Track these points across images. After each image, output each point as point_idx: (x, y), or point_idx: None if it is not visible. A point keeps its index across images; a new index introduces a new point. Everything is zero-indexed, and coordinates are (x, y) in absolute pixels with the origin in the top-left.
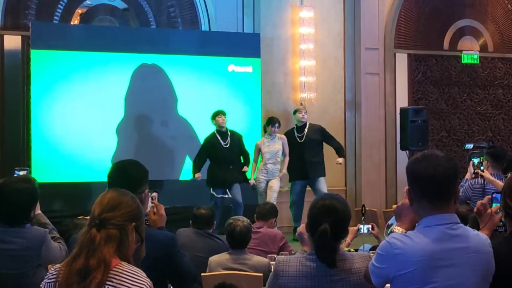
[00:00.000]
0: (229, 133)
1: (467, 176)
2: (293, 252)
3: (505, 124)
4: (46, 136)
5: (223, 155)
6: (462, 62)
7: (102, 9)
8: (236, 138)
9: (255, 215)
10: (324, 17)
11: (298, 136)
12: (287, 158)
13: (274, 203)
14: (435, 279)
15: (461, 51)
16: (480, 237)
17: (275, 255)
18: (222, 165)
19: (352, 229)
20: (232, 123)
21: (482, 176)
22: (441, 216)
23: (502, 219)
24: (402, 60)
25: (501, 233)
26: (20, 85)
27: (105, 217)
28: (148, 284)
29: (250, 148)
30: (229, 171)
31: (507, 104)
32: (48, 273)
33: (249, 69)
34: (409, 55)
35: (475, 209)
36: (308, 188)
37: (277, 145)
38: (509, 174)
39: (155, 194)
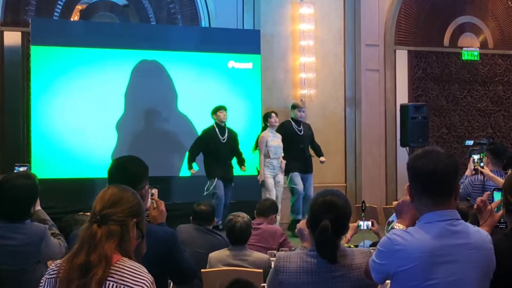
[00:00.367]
0: (226, 129)
1: (467, 172)
2: (293, 248)
3: (505, 121)
4: (46, 132)
5: (221, 149)
6: (463, 58)
7: (102, 6)
8: (233, 135)
9: (255, 211)
10: (324, 13)
11: (297, 129)
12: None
13: (280, 198)
14: (435, 275)
15: (461, 47)
16: (481, 233)
17: (275, 251)
18: (219, 159)
19: (352, 226)
20: (232, 120)
21: (482, 173)
22: (442, 212)
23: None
24: (402, 56)
25: (501, 229)
26: (20, 81)
27: (106, 213)
28: (149, 280)
29: (250, 144)
30: (225, 165)
31: (507, 101)
32: (49, 269)
33: (249, 65)
34: (409, 51)
35: (475, 206)
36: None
37: (279, 141)
38: (509, 171)
39: (155, 190)
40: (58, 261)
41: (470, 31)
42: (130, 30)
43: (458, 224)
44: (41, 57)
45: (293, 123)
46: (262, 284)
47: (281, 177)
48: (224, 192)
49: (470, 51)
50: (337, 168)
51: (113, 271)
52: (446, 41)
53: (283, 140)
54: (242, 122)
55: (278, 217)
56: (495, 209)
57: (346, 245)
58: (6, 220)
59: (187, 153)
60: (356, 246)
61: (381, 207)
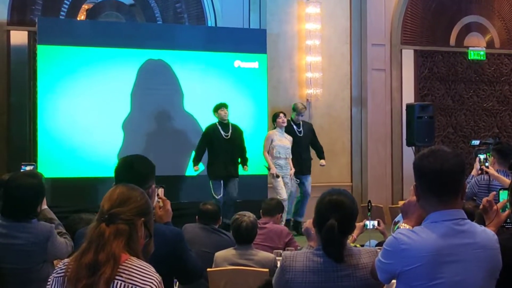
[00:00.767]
0: (230, 125)
1: (473, 172)
2: (299, 247)
3: (511, 121)
4: (53, 131)
5: (223, 145)
6: (469, 58)
7: (108, 5)
8: (238, 132)
9: (261, 211)
10: (331, 13)
11: (297, 130)
12: (291, 158)
13: (286, 200)
14: (441, 275)
15: (467, 47)
16: (487, 233)
17: (281, 251)
18: (221, 156)
19: (358, 225)
20: (238, 119)
21: (487, 173)
22: (448, 211)
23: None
24: (408, 56)
25: (508, 229)
26: (26, 81)
27: (114, 212)
28: (157, 279)
29: (256, 143)
30: (228, 163)
31: None
32: (56, 268)
33: (255, 64)
34: (415, 51)
35: (480, 206)
36: None
37: (287, 141)
38: None
39: (161, 190)
40: (66, 260)
41: (477, 31)
42: (136, 30)
43: (464, 223)
44: (48, 56)
45: (293, 123)
46: (266, 277)
47: (289, 179)
48: (228, 187)
49: (477, 50)
50: (343, 168)
51: (121, 270)
52: (452, 40)
53: None
54: (248, 121)
55: (285, 216)
56: (501, 209)
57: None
58: (12, 219)
59: (193, 152)
60: (362, 246)
61: (387, 206)
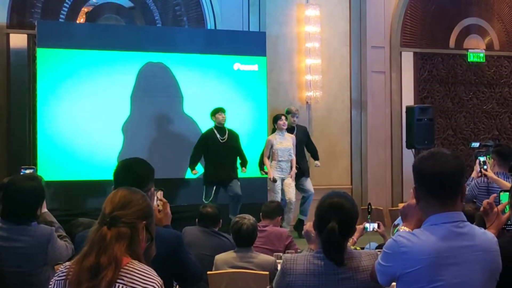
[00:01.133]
0: (227, 130)
1: (473, 174)
2: (299, 250)
3: (511, 123)
4: (52, 134)
5: (220, 150)
6: (468, 60)
7: (108, 8)
8: (234, 136)
9: (260, 214)
10: (330, 15)
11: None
12: (294, 159)
13: (294, 200)
14: (441, 277)
15: (467, 49)
16: (487, 235)
17: (281, 254)
18: (218, 160)
19: (358, 227)
20: (238, 122)
21: (486, 176)
22: (447, 214)
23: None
24: (408, 58)
25: (509, 231)
26: (26, 84)
27: (116, 215)
28: (158, 283)
29: (256, 146)
30: (224, 167)
31: None
32: (58, 271)
33: (254, 67)
34: (415, 53)
35: (481, 208)
36: None
37: (288, 143)
38: None
39: (160, 193)
40: (68, 263)
41: (476, 33)
42: (136, 32)
43: (464, 226)
44: (47, 59)
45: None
46: (268, 287)
47: (290, 180)
48: (230, 187)
49: (476, 53)
50: (343, 170)
51: (122, 274)
52: (451, 43)
53: None
54: (247, 124)
55: (291, 216)
56: (502, 211)
57: (352, 247)
58: (12, 222)
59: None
60: (362, 248)
61: (387, 209)
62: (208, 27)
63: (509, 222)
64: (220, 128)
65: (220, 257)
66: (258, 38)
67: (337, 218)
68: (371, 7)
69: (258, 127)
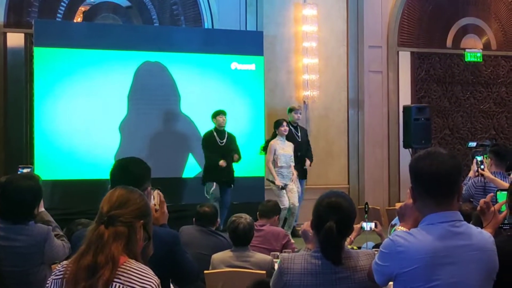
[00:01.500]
0: (226, 133)
1: (470, 174)
2: (296, 250)
3: (508, 122)
4: (49, 133)
5: (219, 152)
6: (465, 60)
7: (105, 7)
8: (232, 138)
9: (257, 213)
10: (327, 15)
11: (296, 134)
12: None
13: (297, 204)
14: (438, 277)
15: (464, 49)
16: (484, 234)
17: (278, 253)
18: (214, 162)
19: (355, 227)
20: (235, 121)
21: (483, 175)
22: (444, 213)
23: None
24: (405, 58)
25: (506, 230)
26: (23, 83)
27: (114, 214)
28: (155, 282)
29: (253, 145)
30: (223, 169)
31: (510, 102)
32: (55, 270)
33: (252, 67)
34: (412, 53)
35: (478, 207)
36: None
37: (290, 149)
38: None
39: (157, 192)
40: (65, 262)
41: (473, 33)
42: (133, 32)
43: (461, 225)
44: (44, 58)
45: (292, 127)
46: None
47: (293, 185)
48: (223, 195)
49: (473, 52)
50: (340, 170)
51: (120, 273)
52: (449, 42)
53: None
54: (244, 123)
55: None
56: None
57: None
58: (9, 221)
59: (190, 155)
60: (359, 248)
61: (384, 208)
62: (206, 27)
63: (505, 221)
64: (220, 131)
65: (217, 256)
66: (256, 38)
67: (335, 217)
68: (368, 6)
69: (255, 127)
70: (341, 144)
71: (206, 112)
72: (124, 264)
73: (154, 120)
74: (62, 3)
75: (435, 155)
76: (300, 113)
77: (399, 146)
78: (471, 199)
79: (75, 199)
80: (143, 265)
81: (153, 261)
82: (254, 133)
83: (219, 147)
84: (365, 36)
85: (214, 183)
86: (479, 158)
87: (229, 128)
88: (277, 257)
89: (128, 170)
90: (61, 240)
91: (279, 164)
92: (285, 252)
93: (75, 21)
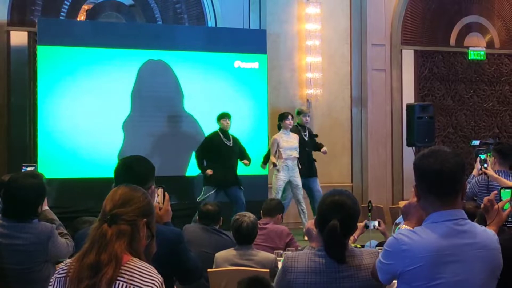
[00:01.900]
0: (230, 135)
1: (474, 172)
2: (299, 248)
3: (511, 121)
4: (53, 132)
5: (225, 153)
6: (469, 58)
7: (108, 5)
8: (237, 140)
9: (261, 211)
10: (331, 13)
11: (304, 135)
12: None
13: (302, 200)
14: (442, 275)
15: (467, 47)
16: (488, 233)
17: (281, 251)
18: (221, 163)
19: (358, 225)
20: (238, 119)
21: (486, 174)
22: (448, 212)
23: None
24: (408, 56)
25: (509, 228)
26: (26, 81)
27: (117, 213)
28: (159, 280)
29: (256, 143)
30: (226, 170)
31: None
32: (58, 268)
33: (255, 65)
34: (415, 51)
35: (482, 205)
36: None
37: (294, 141)
38: None
39: (160, 190)
40: (68, 260)
41: (477, 31)
42: (136, 30)
43: (465, 223)
44: (48, 57)
45: (300, 128)
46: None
47: (298, 180)
48: (234, 196)
49: (477, 50)
50: (343, 168)
51: (123, 271)
52: (452, 40)
53: None
54: (248, 121)
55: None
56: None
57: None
58: (13, 219)
59: (193, 153)
60: (363, 246)
61: (387, 207)
62: (209, 25)
63: (509, 219)
64: (224, 132)
65: (220, 255)
66: (259, 36)
67: (339, 216)
68: (372, 4)
69: (258, 125)
70: (345, 142)
71: (209, 111)
72: (128, 262)
73: (157, 119)
74: (65, 2)
75: (439, 153)
76: (309, 116)
77: (403, 145)
78: (475, 198)
79: (79, 198)
80: (146, 264)
81: (157, 259)
82: (258, 131)
83: (226, 148)
84: (369, 34)
85: (214, 189)
86: (482, 157)
87: (232, 127)
88: (281, 256)
89: (133, 169)
90: (65, 238)
91: (283, 157)
92: (288, 250)
93: (78, 19)
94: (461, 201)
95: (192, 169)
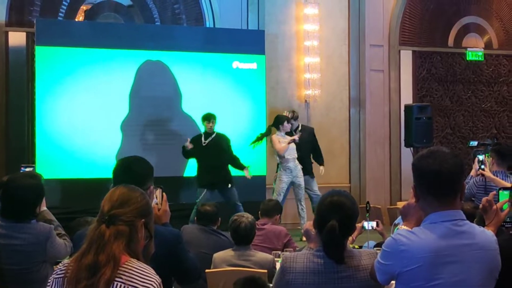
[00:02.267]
0: (213, 134)
1: (472, 173)
2: (297, 248)
3: (509, 121)
4: (51, 132)
5: (202, 153)
6: (467, 59)
7: (106, 6)
8: (219, 140)
9: (259, 212)
10: (329, 13)
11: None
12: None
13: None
14: (440, 276)
15: (465, 48)
16: (486, 233)
17: (279, 252)
18: (203, 163)
19: (356, 226)
20: (236, 120)
21: (483, 175)
22: (447, 212)
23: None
24: (406, 57)
25: (508, 229)
26: (24, 82)
27: (115, 213)
28: (157, 281)
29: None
30: (213, 169)
31: None
32: (56, 269)
33: (253, 65)
34: (413, 52)
35: (480, 206)
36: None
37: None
38: None
39: (159, 191)
40: (66, 261)
41: (475, 32)
42: (135, 31)
43: (463, 224)
44: (46, 57)
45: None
46: None
47: (301, 180)
48: (225, 195)
49: (475, 51)
50: (341, 169)
51: (121, 272)
52: (450, 41)
53: None
54: (246, 122)
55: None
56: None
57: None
58: (12, 220)
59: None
60: (360, 247)
61: (385, 207)
62: (207, 25)
63: (507, 219)
64: (207, 133)
65: (218, 255)
66: (257, 37)
67: (337, 216)
68: (370, 5)
69: (256, 125)
70: (343, 143)
71: (207, 111)
72: (126, 263)
73: (155, 119)
74: (63, 2)
75: (437, 154)
76: (295, 120)
77: (401, 145)
78: (473, 198)
79: (77, 198)
80: (144, 264)
81: (155, 260)
82: (256, 132)
83: (202, 148)
84: (367, 34)
85: (205, 190)
86: (480, 157)
87: (230, 127)
88: (279, 256)
89: (131, 169)
90: (63, 239)
91: (285, 157)
92: (286, 251)
93: (76, 20)
94: (460, 202)
95: (190, 170)
